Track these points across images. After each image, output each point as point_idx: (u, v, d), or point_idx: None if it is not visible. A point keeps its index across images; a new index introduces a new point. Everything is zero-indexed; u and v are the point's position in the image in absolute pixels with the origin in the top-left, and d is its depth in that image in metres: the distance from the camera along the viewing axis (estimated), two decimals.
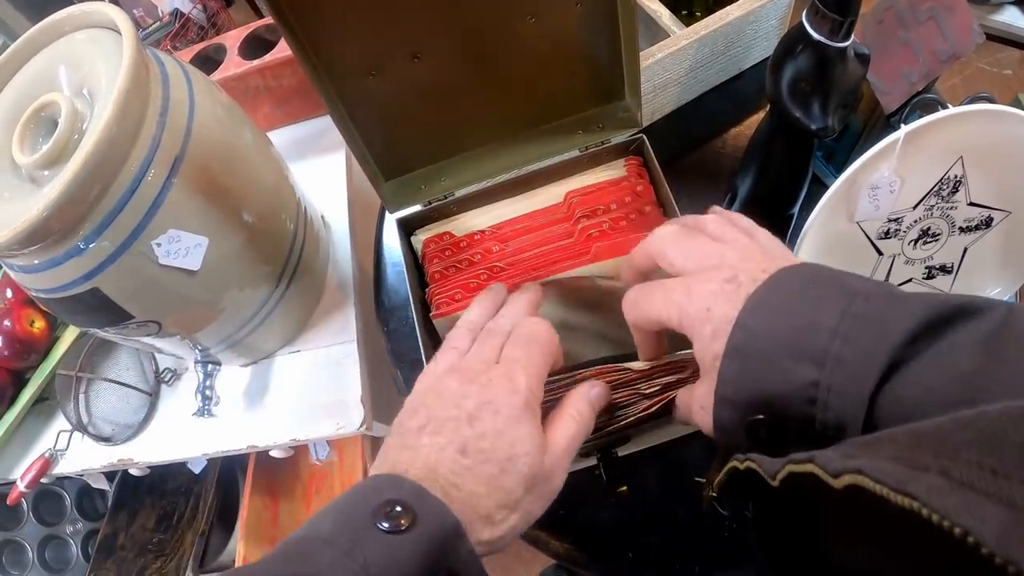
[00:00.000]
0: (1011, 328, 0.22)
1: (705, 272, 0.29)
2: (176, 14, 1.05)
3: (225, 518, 0.81)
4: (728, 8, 0.57)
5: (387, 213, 0.54)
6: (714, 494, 0.27)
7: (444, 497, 0.27)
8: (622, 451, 0.41)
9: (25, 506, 0.84)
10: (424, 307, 0.45)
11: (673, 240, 0.32)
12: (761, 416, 0.25)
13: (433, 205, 0.46)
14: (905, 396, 0.22)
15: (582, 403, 0.33)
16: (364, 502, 0.26)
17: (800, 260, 0.28)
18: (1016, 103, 1.08)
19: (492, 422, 0.29)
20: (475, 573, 0.27)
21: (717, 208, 0.36)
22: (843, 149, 0.57)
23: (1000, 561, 0.14)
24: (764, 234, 0.32)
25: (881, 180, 0.41)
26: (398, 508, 0.25)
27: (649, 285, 0.31)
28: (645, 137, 0.46)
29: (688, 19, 0.62)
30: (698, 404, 0.29)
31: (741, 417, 0.26)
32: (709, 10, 0.59)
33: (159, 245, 0.44)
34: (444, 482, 0.28)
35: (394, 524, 0.25)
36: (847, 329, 0.23)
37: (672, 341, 0.34)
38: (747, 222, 0.33)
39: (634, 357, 0.36)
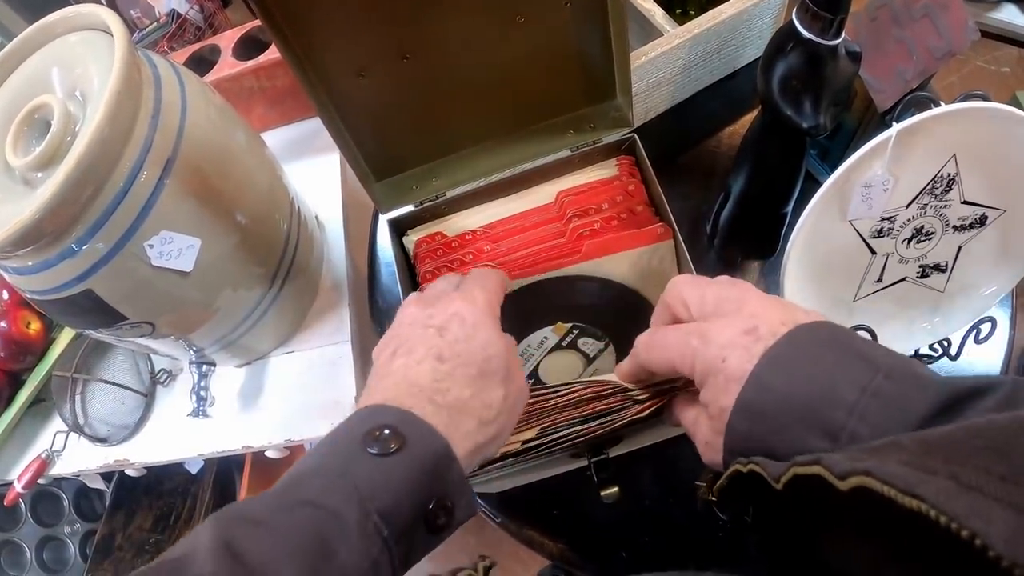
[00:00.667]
0: (1015, 401, 0.22)
1: (724, 318, 0.28)
2: (173, 14, 1.05)
3: None
4: (721, 7, 0.57)
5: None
6: (713, 498, 0.27)
7: (430, 405, 0.28)
8: (614, 452, 0.40)
9: (23, 507, 0.84)
10: None
11: (691, 283, 0.31)
12: None
13: (425, 205, 0.46)
14: None
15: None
16: (352, 431, 0.26)
17: (818, 316, 0.27)
18: (1014, 100, 1.07)
19: (461, 328, 0.30)
20: (465, 499, 0.27)
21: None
22: (837, 147, 0.57)
23: (1007, 564, 0.14)
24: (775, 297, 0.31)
25: (874, 178, 0.41)
26: (386, 431, 0.26)
27: (663, 328, 0.30)
28: (636, 136, 0.45)
29: (682, 18, 0.61)
30: (703, 440, 0.29)
31: None
32: (703, 8, 0.59)
33: (151, 246, 0.44)
34: (430, 391, 0.28)
35: (383, 447, 0.25)
36: (864, 407, 0.23)
37: None
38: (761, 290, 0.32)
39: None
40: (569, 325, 0.46)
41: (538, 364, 0.47)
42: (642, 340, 0.31)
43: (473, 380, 0.29)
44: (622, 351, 0.45)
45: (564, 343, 0.47)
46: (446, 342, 0.30)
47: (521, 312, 0.42)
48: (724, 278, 0.32)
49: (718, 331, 0.27)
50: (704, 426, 0.29)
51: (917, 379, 0.23)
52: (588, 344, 0.47)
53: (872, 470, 0.17)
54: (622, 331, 0.42)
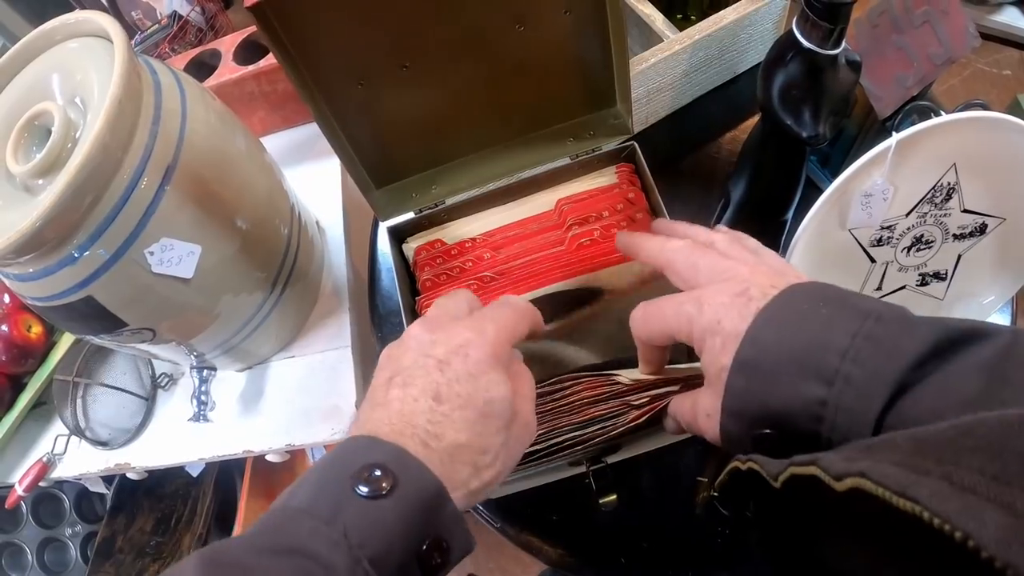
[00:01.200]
0: (1016, 352, 0.22)
1: (715, 285, 0.29)
2: (174, 16, 1.04)
3: (223, 521, 0.81)
4: (722, 12, 0.57)
5: None
6: (715, 494, 0.27)
7: (423, 449, 0.27)
8: (612, 459, 0.41)
9: (24, 509, 0.84)
10: (415, 316, 0.45)
11: (683, 253, 0.31)
12: (767, 430, 0.25)
13: (424, 213, 0.46)
14: (911, 418, 0.22)
15: (518, 362, 0.33)
16: (342, 467, 0.25)
17: (810, 279, 0.28)
18: (1015, 104, 1.07)
19: (463, 366, 0.29)
20: (461, 536, 0.26)
21: (724, 228, 0.35)
22: (838, 154, 0.57)
23: (1000, 565, 0.14)
24: (771, 254, 0.32)
25: (874, 188, 0.41)
26: (377, 472, 0.25)
27: (657, 300, 0.31)
28: (636, 144, 0.45)
29: (683, 23, 0.61)
30: (703, 412, 0.29)
31: (747, 429, 0.26)
32: (704, 14, 0.59)
33: (152, 254, 0.44)
34: (423, 433, 0.27)
35: (374, 489, 0.24)
36: (857, 350, 0.23)
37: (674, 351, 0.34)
38: (754, 242, 0.33)
39: (620, 364, 0.36)
40: None
41: None
42: (637, 315, 0.32)
43: (471, 424, 0.28)
44: None
45: None
46: (446, 379, 0.28)
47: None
48: (720, 238, 0.32)
49: (711, 296, 0.28)
50: (703, 399, 0.29)
51: (908, 321, 0.24)
52: None
53: (867, 471, 0.17)
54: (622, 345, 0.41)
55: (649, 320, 0.31)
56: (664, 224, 0.38)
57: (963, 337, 0.23)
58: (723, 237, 0.33)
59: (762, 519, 0.25)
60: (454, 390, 0.28)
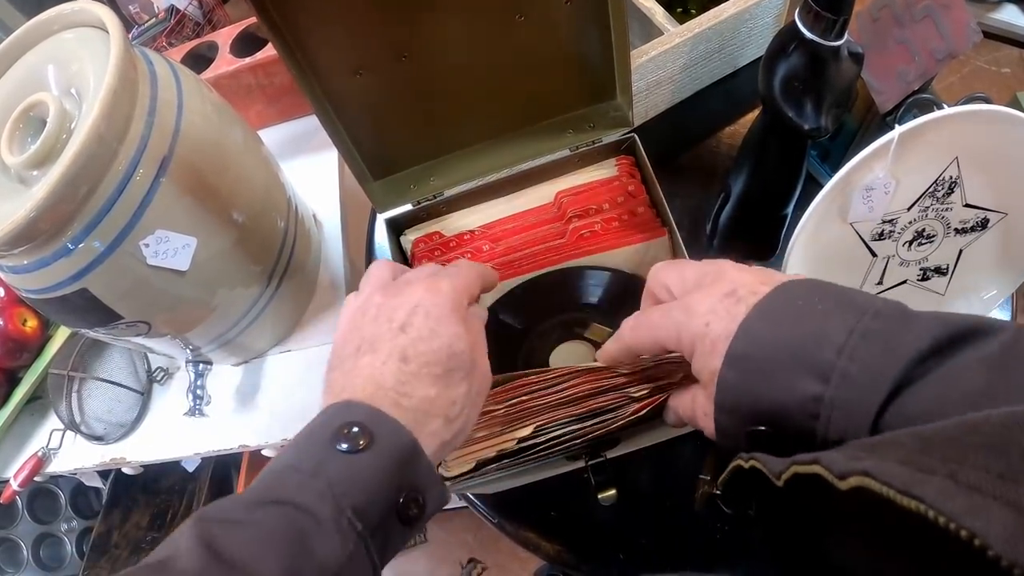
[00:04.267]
0: (1019, 348, 0.21)
1: (703, 289, 0.28)
2: (172, 10, 1.04)
3: None
4: (722, 5, 0.57)
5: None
6: (718, 491, 0.27)
7: (396, 409, 0.28)
8: (611, 454, 0.40)
9: (19, 504, 0.84)
10: None
11: (670, 266, 0.32)
12: (762, 427, 0.25)
13: (422, 205, 0.46)
14: (911, 415, 0.22)
15: (472, 315, 0.34)
16: (323, 428, 0.27)
17: (802, 277, 0.28)
18: (1014, 102, 1.07)
19: (424, 324, 0.30)
20: (435, 489, 0.28)
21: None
22: (838, 149, 0.57)
23: (1006, 564, 0.14)
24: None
25: (875, 181, 0.41)
26: (355, 429, 0.27)
27: (647, 310, 0.31)
28: (636, 136, 0.45)
29: (683, 16, 0.61)
30: (701, 411, 0.29)
31: (741, 425, 0.26)
32: (704, 7, 0.59)
33: (147, 245, 0.44)
34: (395, 394, 0.29)
35: (352, 444, 0.26)
36: (854, 346, 0.23)
37: None
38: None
39: None
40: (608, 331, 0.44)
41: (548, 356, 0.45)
42: (628, 323, 0.32)
43: (437, 379, 0.29)
44: None
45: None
46: (410, 340, 0.30)
47: (529, 306, 0.42)
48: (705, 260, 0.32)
49: (699, 300, 0.28)
50: (700, 398, 0.29)
51: (906, 317, 0.23)
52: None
53: (870, 470, 0.17)
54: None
55: (639, 328, 0.31)
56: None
57: (965, 333, 0.22)
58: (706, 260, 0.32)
59: (765, 517, 0.25)
60: (418, 349, 0.30)
